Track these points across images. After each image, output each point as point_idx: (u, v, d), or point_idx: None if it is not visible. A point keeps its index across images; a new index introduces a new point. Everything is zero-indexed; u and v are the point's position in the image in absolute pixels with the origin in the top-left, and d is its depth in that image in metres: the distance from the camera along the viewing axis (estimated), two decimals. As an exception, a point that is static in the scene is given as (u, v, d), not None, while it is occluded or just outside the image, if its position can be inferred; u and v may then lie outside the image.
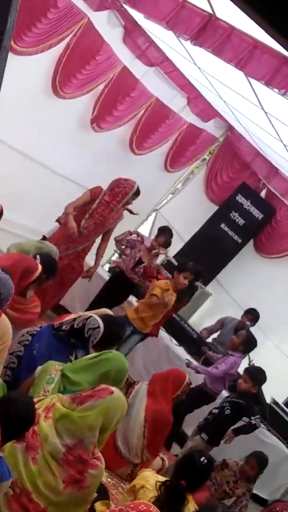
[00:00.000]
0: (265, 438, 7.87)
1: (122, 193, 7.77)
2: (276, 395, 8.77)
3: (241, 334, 8.03)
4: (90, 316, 4.90)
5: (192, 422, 7.63)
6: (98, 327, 4.84)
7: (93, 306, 7.87)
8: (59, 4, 7.26)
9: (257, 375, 7.18)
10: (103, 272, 9.30)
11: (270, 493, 8.08)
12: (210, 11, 5.57)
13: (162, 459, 6.31)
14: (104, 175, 8.82)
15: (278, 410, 8.53)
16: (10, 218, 7.86)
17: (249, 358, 8.80)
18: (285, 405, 8.79)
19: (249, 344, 7.89)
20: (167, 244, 8.76)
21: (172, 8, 5.82)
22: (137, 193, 7.94)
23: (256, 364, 8.62)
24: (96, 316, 4.91)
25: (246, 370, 7.43)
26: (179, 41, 6.89)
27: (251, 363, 8.75)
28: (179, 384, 6.36)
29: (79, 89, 8.45)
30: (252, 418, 7.04)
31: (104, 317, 5.06)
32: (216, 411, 7.04)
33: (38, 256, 6.08)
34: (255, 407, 7.27)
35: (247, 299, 11.01)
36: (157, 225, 11.36)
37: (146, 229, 12.11)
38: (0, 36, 4.32)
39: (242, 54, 5.50)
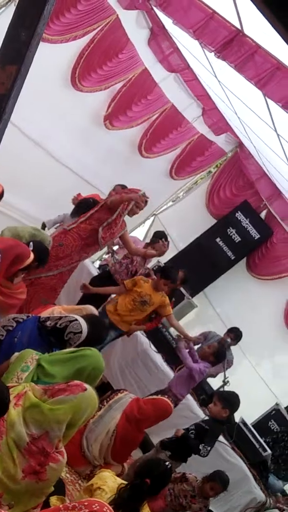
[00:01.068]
0: (228, 456, 7.85)
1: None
2: (245, 415, 8.76)
3: (212, 345, 8.02)
4: (75, 320, 4.87)
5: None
6: (80, 332, 4.80)
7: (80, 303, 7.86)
8: (91, -4, 7.28)
9: (229, 399, 7.08)
10: (93, 268, 9.29)
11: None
12: (239, 26, 5.58)
13: (122, 465, 6.31)
14: (109, 173, 8.83)
15: (245, 430, 8.52)
16: (10, 202, 7.85)
17: (224, 375, 8.83)
18: (253, 426, 8.78)
19: (218, 357, 7.88)
20: None
21: (201, 17, 5.84)
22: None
23: (230, 382, 8.67)
24: (81, 321, 4.86)
25: (217, 393, 7.38)
26: (203, 51, 6.89)
27: (226, 380, 8.78)
28: (161, 419, 6.32)
29: (97, 84, 8.47)
30: (202, 445, 6.89)
31: (89, 318, 5.03)
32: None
33: (31, 243, 6.06)
34: (212, 439, 7.12)
35: (232, 316, 11.05)
36: (153, 229, 11.38)
37: (142, 232, 12.12)
38: (36, 21, 4.30)
39: (264, 74, 5.52)
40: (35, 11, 4.34)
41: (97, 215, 7.37)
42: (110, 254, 9.29)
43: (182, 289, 10.38)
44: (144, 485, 4.50)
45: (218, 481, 6.55)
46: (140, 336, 8.35)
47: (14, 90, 4.53)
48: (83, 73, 8.21)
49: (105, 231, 7.42)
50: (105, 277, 8.55)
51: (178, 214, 12.24)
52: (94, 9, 7.49)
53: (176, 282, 8.11)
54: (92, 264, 9.52)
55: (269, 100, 6.15)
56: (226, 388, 8.68)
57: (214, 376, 9.21)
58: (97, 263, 10.17)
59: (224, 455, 7.92)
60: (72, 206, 8.36)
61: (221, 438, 7.56)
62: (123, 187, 8.23)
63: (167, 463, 4.93)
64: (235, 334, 9.38)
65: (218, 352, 7.87)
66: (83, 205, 8.07)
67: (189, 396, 8.07)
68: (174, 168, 11.32)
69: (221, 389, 8.64)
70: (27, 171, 8.50)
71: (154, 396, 6.49)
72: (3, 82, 4.46)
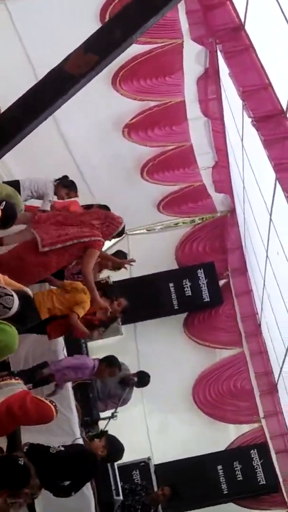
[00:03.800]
0: (83, 487, 7.74)
1: (106, 232, 7.07)
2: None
3: (113, 371, 8.03)
4: (11, 295, 4.78)
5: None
6: (10, 308, 4.71)
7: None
8: (168, 13, 7.30)
9: (113, 444, 6.97)
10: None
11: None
12: (285, 106, 5.66)
13: None
14: (104, 178, 8.85)
15: (109, 467, 8.48)
16: (9, 165, 7.81)
17: (115, 410, 8.84)
18: (118, 467, 8.75)
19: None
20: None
21: (256, 83, 5.90)
22: (119, 234, 7.35)
23: (118, 418, 8.69)
24: (16, 299, 4.76)
25: (109, 435, 7.24)
26: (242, 112, 6.98)
27: (115, 414, 8.78)
28: (40, 424, 6.18)
29: (134, 92, 8.50)
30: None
31: (22, 297, 4.95)
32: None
33: (4, 203, 5.98)
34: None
35: (149, 360, 11.09)
36: (119, 245, 11.37)
37: (107, 244, 12.06)
38: (136, 28, 4.35)
39: (285, 161, 5.62)
40: (140, 18, 4.40)
41: (77, 252, 6.84)
42: None
43: (116, 313, 10.40)
44: None
45: None
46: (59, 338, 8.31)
47: (85, 78, 4.58)
48: (127, 76, 8.23)
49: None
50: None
51: (146, 244, 12.26)
52: (165, 25, 7.52)
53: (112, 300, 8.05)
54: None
55: (278, 186, 6.25)
56: (112, 422, 8.69)
57: (104, 410, 9.20)
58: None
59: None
60: None
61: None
62: (104, 207, 8.08)
63: (21, 460, 4.91)
64: (142, 379, 9.33)
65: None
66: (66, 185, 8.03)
67: (74, 412, 8.05)
68: (164, 202, 11.36)
69: (107, 421, 8.66)
70: (33, 139, 8.43)
71: (43, 399, 6.35)
72: (80, 65, 4.51)
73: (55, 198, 8.09)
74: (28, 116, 4.85)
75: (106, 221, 7.00)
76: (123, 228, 7.19)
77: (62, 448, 6.30)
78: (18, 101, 4.87)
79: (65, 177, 8.22)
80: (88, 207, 8.33)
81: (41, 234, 6.60)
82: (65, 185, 8.13)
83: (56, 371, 7.72)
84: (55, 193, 8.07)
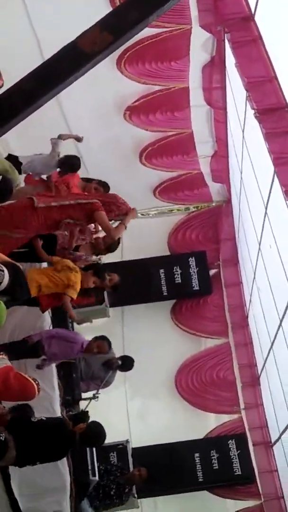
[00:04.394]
0: (60, 465, 7.78)
1: (114, 214, 7.34)
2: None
3: (102, 344, 8.06)
4: (2, 270, 4.75)
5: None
6: (0, 283, 4.70)
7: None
8: (179, -2, 7.26)
9: (94, 428, 6.94)
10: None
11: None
12: (289, 100, 5.66)
13: None
14: (102, 159, 8.80)
15: (87, 448, 8.52)
16: (9, 140, 7.77)
17: (97, 391, 8.89)
18: (96, 449, 8.78)
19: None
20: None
21: (261, 75, 5.89)
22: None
23: (99, 400, 8.72)
24: (6, 275, 4.71)
25: (93, 423, 7.22)
26: (246, 103, 6.96)
27: (96, 395, 8.82)
28: (21, 400, 6.17)
29: (138, 75, 8.46)
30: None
31: (14, 273, 4.92)
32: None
33: (0, 177, 5.96)
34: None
35: (134, 344, 11.10)
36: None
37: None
38: (151, 11, 4.33)
39: (285, 155, 5.61)
40: (158, 1, 4.37)
41: (72, 213, 6.95)
42: None
43: (105, 295, 10.41)
44: None
45: None
46: (46, 314, 8.31)
47: (99, 55, 4.56)
48: (132, 59, 8.18)
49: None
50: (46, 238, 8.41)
51: (140, 228, 12.20)
52: (174, 11, 7.45)
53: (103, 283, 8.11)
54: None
55: (276, 179, 6.25)
56: (93, 403, 8.72)
57: (85, 390, 9.22)
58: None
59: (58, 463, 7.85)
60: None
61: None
62: (103, 185, 8.10)
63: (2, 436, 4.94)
64: (126, 363, 9.33)
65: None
66: (68, 164, 7.94)
67: (56, 391, 8.08)
68: (160, 187, 11.34)
69: (88, 402, 8.70)
70: (35, 115, 8.37)
71: (26, 376, 6.34)
72: (95, 42, 4.48)
73: None
74: (39, 90, 4.83)
75: (110, 206, 7.21)
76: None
77: (44, 418, 6.40)
78: (30, 74, 4.84)
79: (71, 158, 8.06)
80: (87, 180, 8.35)
81: (37, 198, 6.90)
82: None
83: (45, 338, 7.73)
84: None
